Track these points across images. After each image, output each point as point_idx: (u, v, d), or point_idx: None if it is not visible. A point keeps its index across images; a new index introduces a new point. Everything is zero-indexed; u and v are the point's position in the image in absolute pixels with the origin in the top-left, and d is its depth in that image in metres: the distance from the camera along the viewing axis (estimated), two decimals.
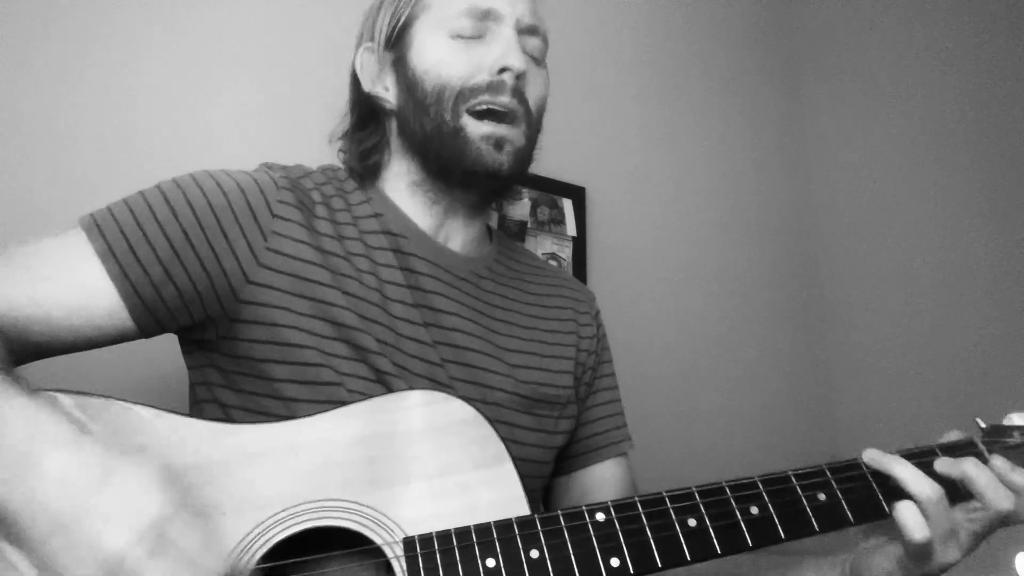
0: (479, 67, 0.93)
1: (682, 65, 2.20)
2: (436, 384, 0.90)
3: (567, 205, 1.83)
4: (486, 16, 0.94)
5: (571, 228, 1.81)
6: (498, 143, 0.93)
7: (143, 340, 0.85)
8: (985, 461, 0.81)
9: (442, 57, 0.94)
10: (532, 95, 0.98)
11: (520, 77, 0.94)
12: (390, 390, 0.86)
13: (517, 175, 0.97)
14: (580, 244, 1.82)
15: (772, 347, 2.20)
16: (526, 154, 0.98)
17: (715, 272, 2.12)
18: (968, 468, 0.79)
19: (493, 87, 0.93)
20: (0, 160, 1.18)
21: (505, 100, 0.93)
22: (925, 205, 2.06)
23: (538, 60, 1.01)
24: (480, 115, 0.93)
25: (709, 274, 2.11)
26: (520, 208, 1.74)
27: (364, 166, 1.01)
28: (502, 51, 0.93)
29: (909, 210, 2.10)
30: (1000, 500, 0.78)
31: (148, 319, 0.82)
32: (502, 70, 0.93)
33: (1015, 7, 1.91)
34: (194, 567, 0.61)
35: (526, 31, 0.97)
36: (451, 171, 0.96)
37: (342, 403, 0.81)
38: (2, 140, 1.19)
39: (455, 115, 0.93)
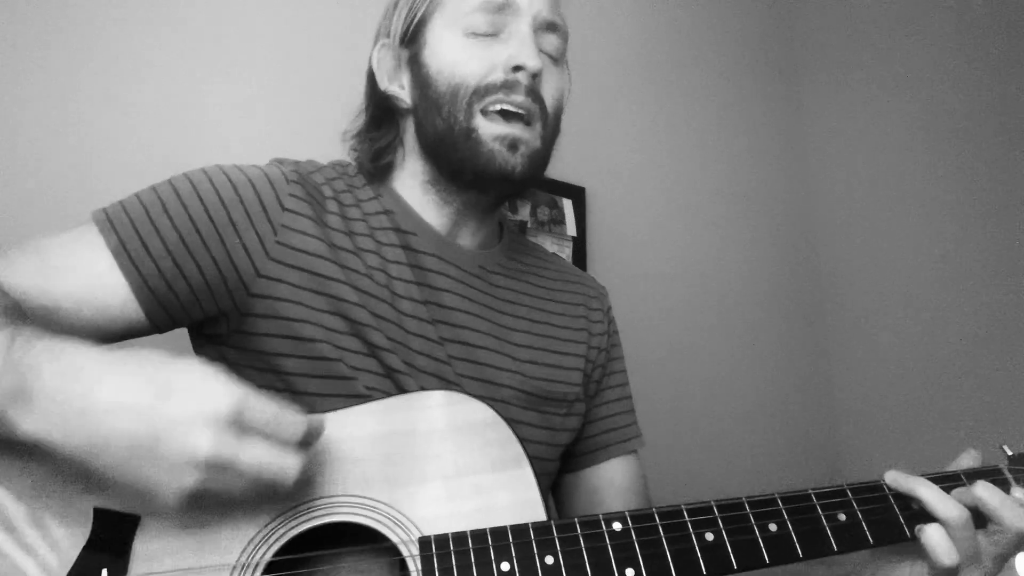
0: (493, 65, 0.91)
1: (682, 65, 2.21)
2: (443, 382, 0.90)
3: (567, 205, 1.83)
4: (502, 11, 0.92)
5: (571, 228, 1.81)
6: (512, 144, 0.91)
7: (154, 335, 0.85)
8: (1010, 490, 0.81)
9: (456, 55, 0.92)
10: (549, 94, 0.95)
11: (535, 76, 0.92)
12: (399, 387, 0.86)
13: (531, 178, 0.95)
14: (580, 244, 1.82)
15: (772, 346, 2.23)
16: (541, 156, 0.95)
17: (715, 272, 2.13)
18: (979, 492, 0.78)
19: (508, 86, 0.91)
20: (12, 157, 1.16)
21: (519, 99, 0.91)
22: (925, 203, 2.09)
23: (556, 58, 0.98)
24: (494, 115, 0.91)
25: (709, 274, 2.12)
26: (520, 208, 1.73)
27: (376, 165, 0.99)
28: (517, 49, 0.91)
29: (909, 208, 2.13)
30: (1017, 520, 0.77)
31: (160, 313, 0.82)
32: (516, 68, 0.91)
33: (1014, 7, 1.93)
34: (279, 437, 0.64)
35: (544, 27, 0.95)
36: (463, 173, 0.93)
37: (357, 397, 0.80)
38: (14, 137, 1.16)
39: (468, 115, 0.91)
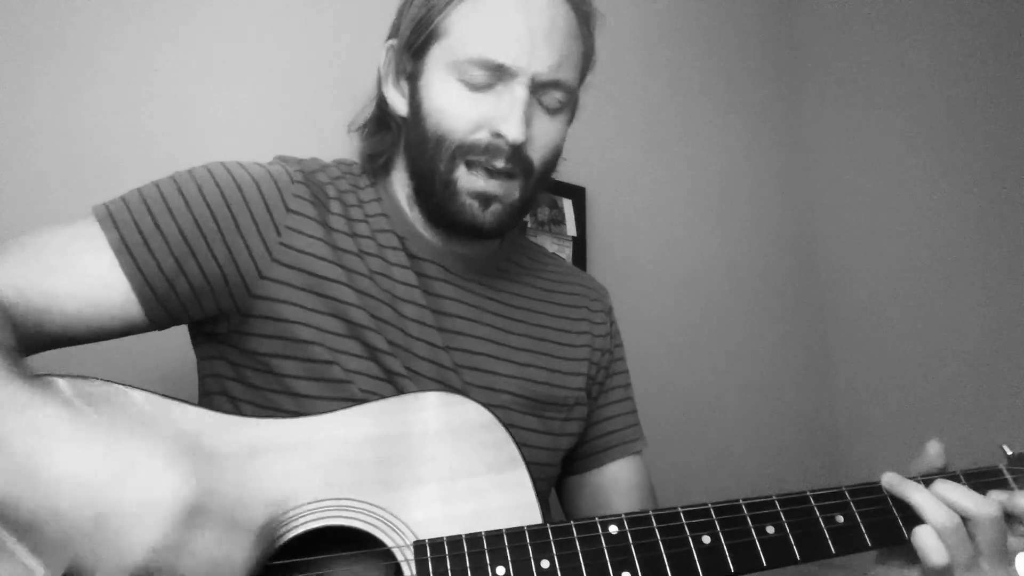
0: (479, 124, 0.88)
1: (682, 65, 2.20)
2: (446, 387, 0.89)
3: (567, 205, 1.82)
4: (499, 70, 0.87)
5: (571, 228, 1.80)
6: (485, 201, 0.90)
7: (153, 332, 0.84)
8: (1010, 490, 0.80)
9: (444, 105, 0.89)
10: (537, 151, 0.92)
11: (519, 145, 0.89)
12: (400, 391, 0.85)
13: (502, 231, 0.95)
14: (580, 244, 1.81)
15: (772, 346, 2.22)
16: (517, 209, 0.93)
17: (715, 272, 2.13)
18: (937, 488, 0.77)
19: (491, 150, 0.88)
20: (12, 154, 1.15)
21: (500, 165, 0.88)
22: (925, 202, 2.07)
23: (555, 110, 0.93)
24: (477, 168, 0.89)
25: (709, 274, 2.11)
26: None
27: (373, 165, 0.99)
28: (505, 114, 0.87)
29: (909, 207, 2.12)
30: (983, 508, 0.75)
31: (160, 312, 0.81)
32: (499, 135, 0.88)
33: (1013, 9, 1.92)
34: (234, 529, 0.61)
35: (545, 86, 0.90)
36: (438, 217, 0.93)
37: (354, 400, 0.79)
38: (15, 134, 1.16)
39: (449, 168, 0.89)
